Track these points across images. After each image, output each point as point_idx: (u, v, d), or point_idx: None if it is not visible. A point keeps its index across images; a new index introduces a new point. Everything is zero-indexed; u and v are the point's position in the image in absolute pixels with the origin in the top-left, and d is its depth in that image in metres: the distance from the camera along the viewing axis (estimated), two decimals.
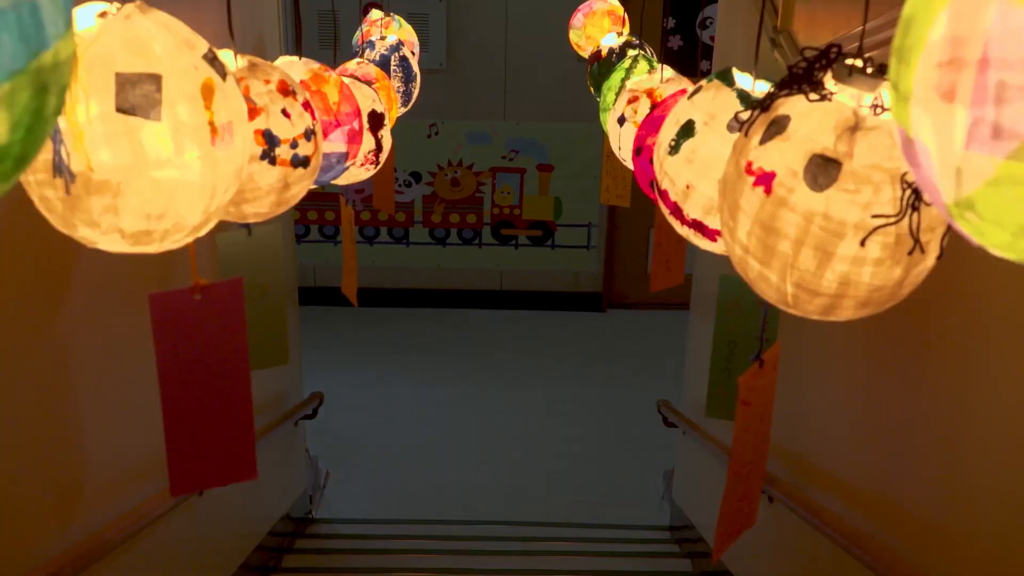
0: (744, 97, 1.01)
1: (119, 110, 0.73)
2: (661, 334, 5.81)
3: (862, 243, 0.72)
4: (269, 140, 1.11)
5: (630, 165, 1.66)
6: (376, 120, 1.71)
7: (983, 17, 0.40)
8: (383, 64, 2.34)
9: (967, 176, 0.43)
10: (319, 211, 6.12)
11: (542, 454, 4.38)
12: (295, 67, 1.47)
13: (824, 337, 2.06)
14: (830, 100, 0.76)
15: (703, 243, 1.07)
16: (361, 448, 4.40)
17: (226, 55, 1.09)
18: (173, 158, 0.77)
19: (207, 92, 0.79)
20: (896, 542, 1.66)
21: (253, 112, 1.09)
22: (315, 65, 1.50)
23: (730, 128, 1.00)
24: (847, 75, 0.77)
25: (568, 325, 6.02)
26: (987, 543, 1.40)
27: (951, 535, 1.50)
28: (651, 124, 1.35)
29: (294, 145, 1.13)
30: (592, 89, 2.41)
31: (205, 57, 0.81)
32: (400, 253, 6.21)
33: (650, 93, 1.66)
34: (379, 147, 1.74)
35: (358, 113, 1.55)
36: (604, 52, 2.35)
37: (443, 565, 3.41)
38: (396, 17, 2.69)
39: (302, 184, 1.18)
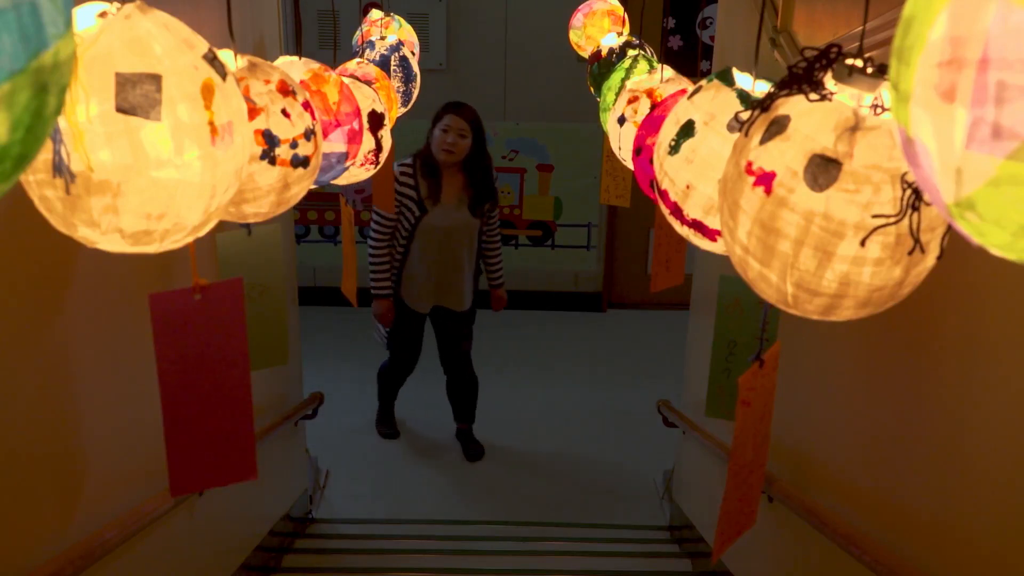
0: (744, 97, 1.01)
1: (119, 110, 0.73)
2: (661, 334, 5.81)
3: (862, 243, 0.72)
4: (269, 140, 1.11)
5: (630, 165, 1.66)
6: (376, 120, 1.71)
7: (983, 17, 0.40)
8: (383, 64, 2.34)
9: (967, 176, 0.43)
10: (319, 211, 6.12)
11: (542, 454, 4.38)
12: (295, 67, 1.47)
13: (824, 337, 2.06)
14: (830, 100, 0.76)
15: (703, 243, 1.07)
16: (361, 448, 4.40)
17: (226, 55, 1.09)
18: (173, 158, 0.77)
19: (207, 92, 0.79)
20: (896, 542, 1.66)
21: (253, 112, 1.09)
22: (315, 65, 1.50)
23: (730, 128, 1.00)
24: (847, 75, 0.77)
25: (568, 325, 6.02)
26: (988, 543, 1.40)
27: (952, 535, 1.50)
28: (651, 124, 1.35)
29: (294, 145, 1.13)
30: (592, 89, 2.41)
31: (205, 57, 0.81)
32: None
33: (650, 93, 1.66)
34: (379, 147, 1.74)
35: (358, 113, 1.55)
36: (604, 52, 2.35)
37: (443, 565, 3.41)
38: (396, 17, 2.69)
39: (302, 184, 1.18)
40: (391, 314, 3.79)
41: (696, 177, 1.02)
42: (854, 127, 0.72)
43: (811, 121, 0.74)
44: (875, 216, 0.71)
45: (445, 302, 3.87)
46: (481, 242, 3.86)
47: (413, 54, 2.54)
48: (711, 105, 1.03)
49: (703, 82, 1.07)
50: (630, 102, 1.69)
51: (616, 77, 1.97)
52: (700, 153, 1.01)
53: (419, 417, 4.69)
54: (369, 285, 3.67)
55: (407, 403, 4.72)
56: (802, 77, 0.77)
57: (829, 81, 0.78)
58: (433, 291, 3.80)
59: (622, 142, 1.73)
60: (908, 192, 0.70)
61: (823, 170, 0.72)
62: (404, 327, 3.90)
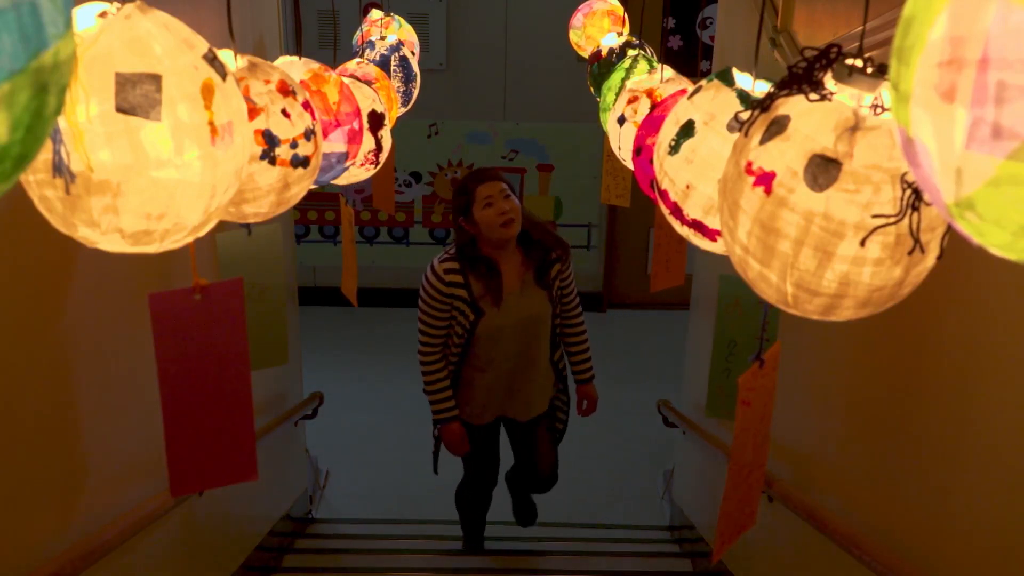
0: (744, 97, 1.01)
1: (119, 110, 0.73)
2: (661, 334, 5.81)
3: (862, 243, 0.72)
4: (269, 140, 1.11)
5: (630, 165, 1.66)
6: (376, 120, 1.71)
7: (983, 17, 0.40)
8: (383, 64, 2.34)
9: (967, 176, 0.43)
10: (319, 211, 6.12)
11: None
12: (295, 67, 1.47)
13: (824, 337, 2.06)
14: (830, 100, 0.76)
15: (703, 243, 1.07)
16: (361, 448, 4.40)
17: (226, 55, 1.09)
18: (173, 158, 0.77)
19: (207, 92, 0.79)
20: (896, 542, 1.66)
21: (253, 112, 1.09)
22: (315, 65, 1.50)
23: (730, 128, 1.00)
24: (847, 75, 0.77)
25: None
26: (988, 543, 1.40)
27: (952, 535, 1.50)
28: (651, 124, 1.35)
29: (294, 145, 1.13)
30: (592, 89, 2.41)
31: (205, 57, 0.81)
32: (400, 253, 6.21)
33: (650, 93, 1.66)
34: (379, 147, 1.74)
35: (358, 113, 1.55)
36: (604, 52, 2.35)
37: (443, 565, 3.41)
38: (396, 17, 2.69)
39: (302, 184, 1.18)
40: (466, 443, 2.95)
41: (696, 177, 1.02)
42: (854, 127, 0.72)
43: (811, 121, 0.74)
44: (875, 216, 0.71)
45: (509, 411, 3.01)
46: (555, 324, 2.96)
47: (413, 54, 2.54)
48: (711, 105, 1.03)
49: (703, 82, 1.07)
50: (630, 102, 1.69)
51: (616, 77, 1.97)
52: (700, 153, 1.01)
53: (419, 417, 4.68)
54: (431, 409, 2.92)
55: (408, 402, 4.71)
56: (802, 77, 0.77)
57: (829, 81, 0.78)
58: (495, 401, 2.96)
59: (622, 142, 1.73)
60: (908, 192, 0.70)
61: (823, 170, 0.72)
62: (471, 443, 3.02)
